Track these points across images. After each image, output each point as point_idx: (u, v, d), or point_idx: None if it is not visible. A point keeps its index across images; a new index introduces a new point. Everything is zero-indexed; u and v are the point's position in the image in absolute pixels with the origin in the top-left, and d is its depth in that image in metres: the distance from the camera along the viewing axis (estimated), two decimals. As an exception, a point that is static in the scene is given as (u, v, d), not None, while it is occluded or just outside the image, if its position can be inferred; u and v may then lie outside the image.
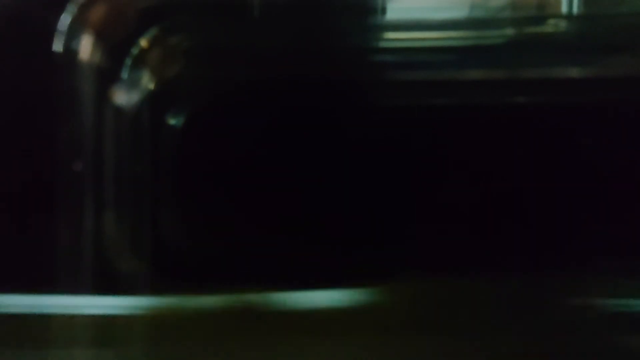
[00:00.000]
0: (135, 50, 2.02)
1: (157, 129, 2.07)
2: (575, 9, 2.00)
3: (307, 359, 1.91)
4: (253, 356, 1.91)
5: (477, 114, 2.03)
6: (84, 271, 1.94)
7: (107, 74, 1.98)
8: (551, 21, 2.04)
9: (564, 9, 2.01)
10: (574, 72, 2.03)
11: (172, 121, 2.10)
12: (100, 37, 1.95)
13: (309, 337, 1.95)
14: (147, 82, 2.05)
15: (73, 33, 1.92)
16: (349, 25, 2.08)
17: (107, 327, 1.95)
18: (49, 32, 1.90)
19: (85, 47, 1.94)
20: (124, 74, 2.02)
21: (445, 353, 1.91)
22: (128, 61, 2.01)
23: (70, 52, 1.92)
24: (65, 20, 1.90)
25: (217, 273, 2.02)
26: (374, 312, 1.97)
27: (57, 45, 1.91)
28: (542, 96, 2.04)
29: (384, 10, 2.06)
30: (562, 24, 2.03)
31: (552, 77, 2.03)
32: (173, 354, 1.95)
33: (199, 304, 2.00)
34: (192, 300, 2.01)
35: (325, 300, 1.99)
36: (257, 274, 2.01)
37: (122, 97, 2.02)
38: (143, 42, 2.02)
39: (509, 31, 2.04)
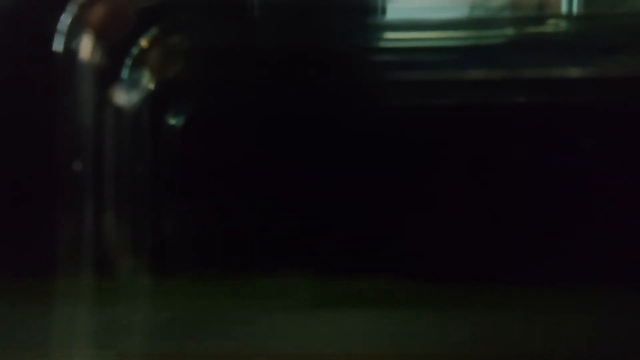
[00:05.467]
0: (135, 50, 2.02)
1: (157, 129, 2.07)
2: (575, 9, 2.00)
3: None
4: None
5: (477, 114, 2.03)
6: (84, 270, 1.94)
7: (107, 74, 1.99)
8: (551, 21, 2.04)
9: (564, 9, 2.01)
10: (574, 72, 2.03)
11: (172, 121, 2.10)
12: (100, 37, 1.95)
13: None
14: (147, 82, 2.05)
15: (73, 33, 1.92)
16: (349, 26, 2.07)
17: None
18: (49, 32, 1.90)
19: (85, 47, 1.94)
20: (124, 74, 2.02)
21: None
22: (128, 61, 2.01)
23: (70, 52, 1.92)
24: (65, 20, 1.91)
25: (217, 270, 2.02)
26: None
27: (57, 45, 1.91)
28: (542, 96, 2.03)
29: (384, 10, 2.06)
30: (562, 24, 2.03)
31: (552, 77, 2.03)
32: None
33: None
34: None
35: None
36: (257, 271, 2.01)
37: (122, 97, 2.02)
38: (143, 42, 2.02)
39: (509, 31, 2.04)
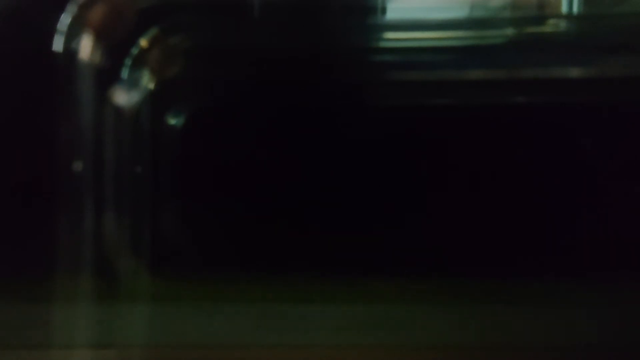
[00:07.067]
0: (135, 50, 2.02)
1: (157, 129, 2.07)
2: (575, 9, 2.00)
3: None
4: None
5: (477, 114, 2.03)
6: (83, 270, 1.94)
7: (107, 74, 1.98)
8: (551, 21, 2.04)
9: (564, 9, 2.01)
10: (574, 72, 2.03)
11: (172, 121, 2.10)
12: (100, 37, 1.95)
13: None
14: (147, 82, 2.05)
15: (73, 33, 1.91)
16: (349, 26, 2.08)
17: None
18: (49, 32, 1.89)
19: (85, 47, 1.94)
20: (124, 74, 2.02)
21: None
22: (128, 61, 2.01)
23: (70, 52, 1.92)
24: (65, 20, 1.90)
25: (217, 270, 2.02)
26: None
27: (57, 45, 1.90)
28: (541, 96, 2.04)
29: (384, 10, 2.07)
30: (562, 24, 2.04)
31: (552, 77, 2.03)
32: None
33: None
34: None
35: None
36: (256, 270, 2.01)
37: (122, 97, 2.02)
38: (143, 42, 2.02)
39: (509, 31, 2.04)
